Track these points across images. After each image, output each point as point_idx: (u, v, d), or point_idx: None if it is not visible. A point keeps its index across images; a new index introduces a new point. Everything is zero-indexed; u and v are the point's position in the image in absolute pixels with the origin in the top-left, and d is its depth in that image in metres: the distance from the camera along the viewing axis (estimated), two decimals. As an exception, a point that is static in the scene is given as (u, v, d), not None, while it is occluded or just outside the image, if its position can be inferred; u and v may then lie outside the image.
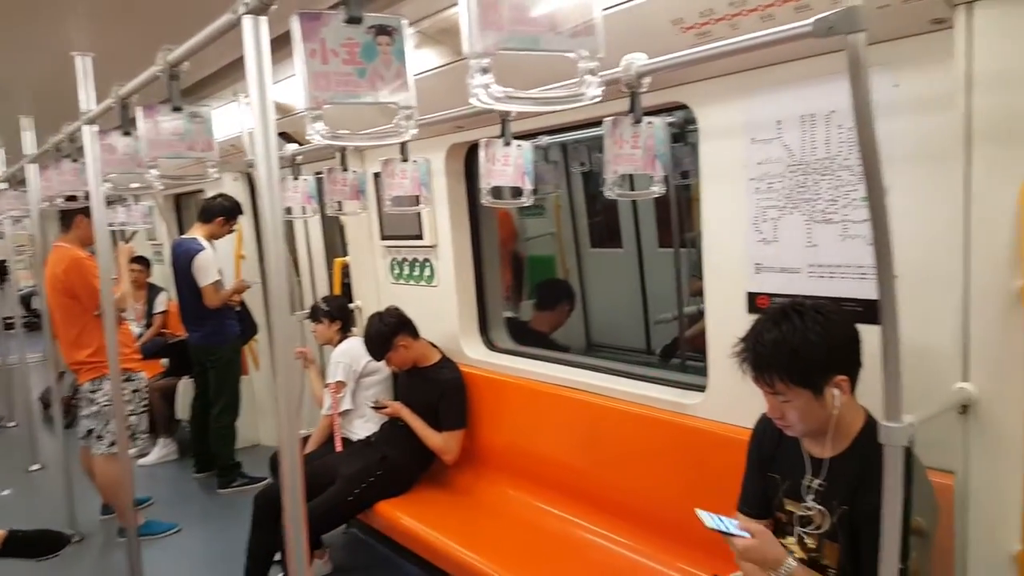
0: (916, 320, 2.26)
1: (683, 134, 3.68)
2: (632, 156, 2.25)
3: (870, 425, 2.00)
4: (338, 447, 4.08)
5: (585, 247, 6.66)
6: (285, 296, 1.62)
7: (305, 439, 4.36)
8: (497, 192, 2.98)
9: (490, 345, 4.35)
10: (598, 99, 1.26)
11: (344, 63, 1.26)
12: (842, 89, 1.54)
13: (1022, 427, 1.91)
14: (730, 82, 2.65)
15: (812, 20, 1.54)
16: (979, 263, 2.01)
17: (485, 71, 1.06)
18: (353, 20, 1.27)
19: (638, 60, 2.07)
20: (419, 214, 4.17)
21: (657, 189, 2.32)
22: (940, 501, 2.10)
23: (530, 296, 5.93)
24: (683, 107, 2.87)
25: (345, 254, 5.20)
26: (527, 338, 4.69)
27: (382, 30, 1.30)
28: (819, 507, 2.09)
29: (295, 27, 1.23)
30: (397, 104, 1.34)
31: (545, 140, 4.64)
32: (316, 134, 1.32)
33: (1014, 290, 1.91)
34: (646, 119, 2.24)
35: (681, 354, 4.57)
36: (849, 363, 2.03)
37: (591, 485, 3.48)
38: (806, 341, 1.97)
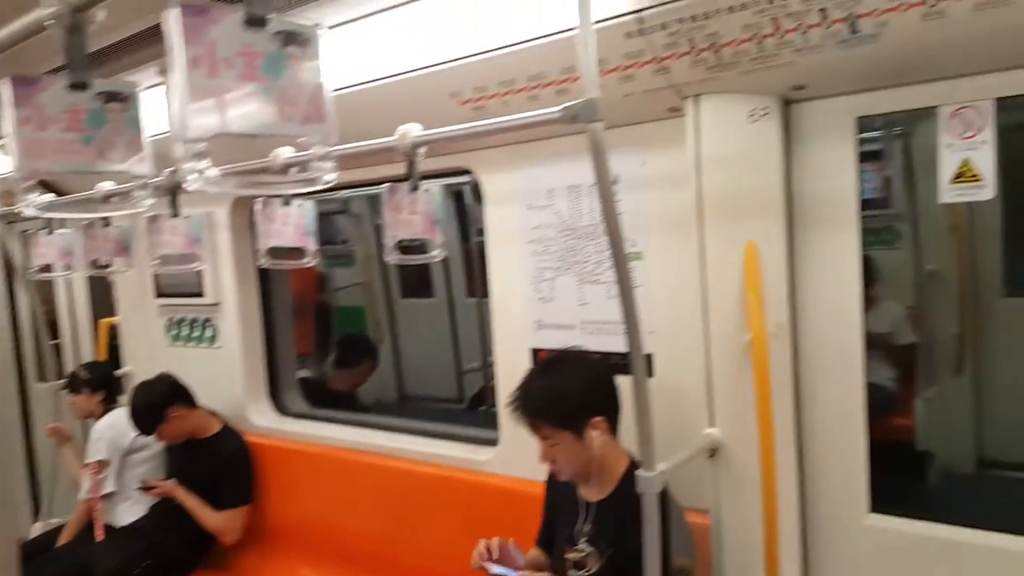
0: (671, 371, 2.51)
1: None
2: (410, 222, 2.30)
3: (632, 468, 2.17)
4: (99, 535, 3.59)
5: (396, 297, 6.62)
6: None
7: (59, 529, 3.81)
8: (280, 251, 2.88)
9: (281, 410, 4.12)
10: (333, 181, 1.28)
11: (65, 130, 1.15)
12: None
13: (758, 467, 2.17)
14: (508, 152, 2.82)
15: (560, 108, 1.69)
16: (715, 319, 2.29)
17: (201, 156, 1.02)
18: (78, 86, 1.17)
19: (413, 131, 2.13)
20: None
21: (437, 254, 2.38)
22: (698, 540, 2.32)
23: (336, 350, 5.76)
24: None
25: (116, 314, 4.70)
26: (326, 399, 4.51)
27: (112, 96, 1.21)
28: (590, 549, 2.21)
29: (6, 92, 1.11)
30: (130, 173, 1.26)
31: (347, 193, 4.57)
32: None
33: (743, 343, 2.19)
34: (424, 185, 2.30)
35: (489, 402, 4.65)
36: (605, 405, 2.23)
37: (391, 553, 3.38)
38: (565, 386, 2.16)
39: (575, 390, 2.11)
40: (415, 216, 2.30)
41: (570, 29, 2.02)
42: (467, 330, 6.03)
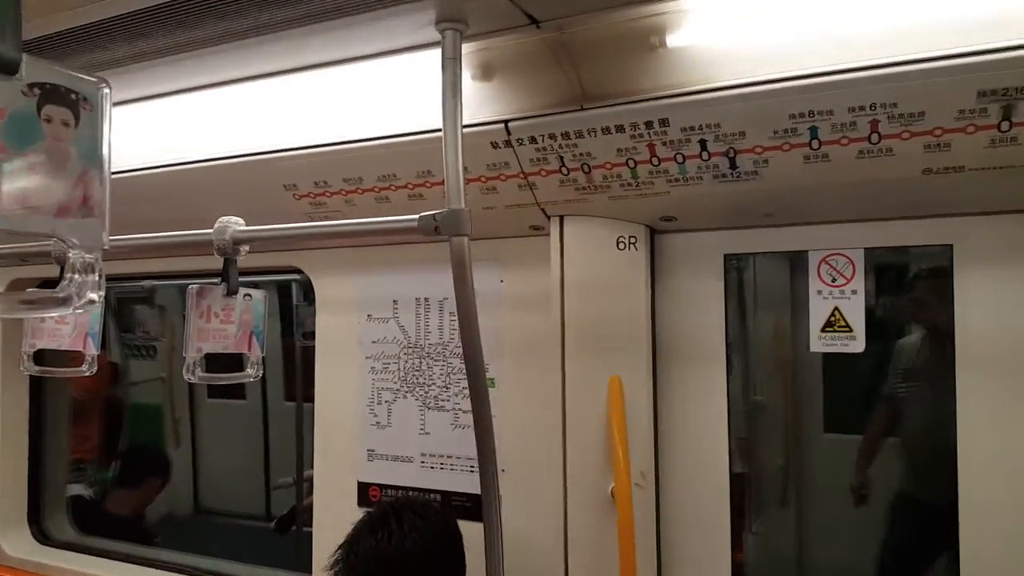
0: (522, 519, 2.20)
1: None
2: (223, 332, 1.86)
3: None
4: None
5: (201, 396, 5.84)
6: None
7: None
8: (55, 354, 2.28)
9: (42, 537, 3.31)
10: (97, 304, 0.89)
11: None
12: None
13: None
14: (347, 255, 2.49)
15: (418, 217, 1.42)
16: (575, 461, 2.04)
17: None
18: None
19: (234, 225, 1.75)
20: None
21: (253, 373, 1.95)
22: None
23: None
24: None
25: None
26: (103, 523, 3.71)
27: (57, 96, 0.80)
28: None
29: None
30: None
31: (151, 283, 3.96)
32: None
33: (606, 493, 1.95)
34: (244, 291, 1.89)
35: (298, 527, 4.05)
36: (449, 566, 1.87)
37: None
38: (403, 551, 1.79)
39: (414, 556, 1.74)
40: (229, 325, 1.87)
41: (432, 131, 1.81)
42: (282, 438, 5.39)
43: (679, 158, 1.75)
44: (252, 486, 5.71)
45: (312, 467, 4.08)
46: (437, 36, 1.47)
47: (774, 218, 1.94)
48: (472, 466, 2.27)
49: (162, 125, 2.14)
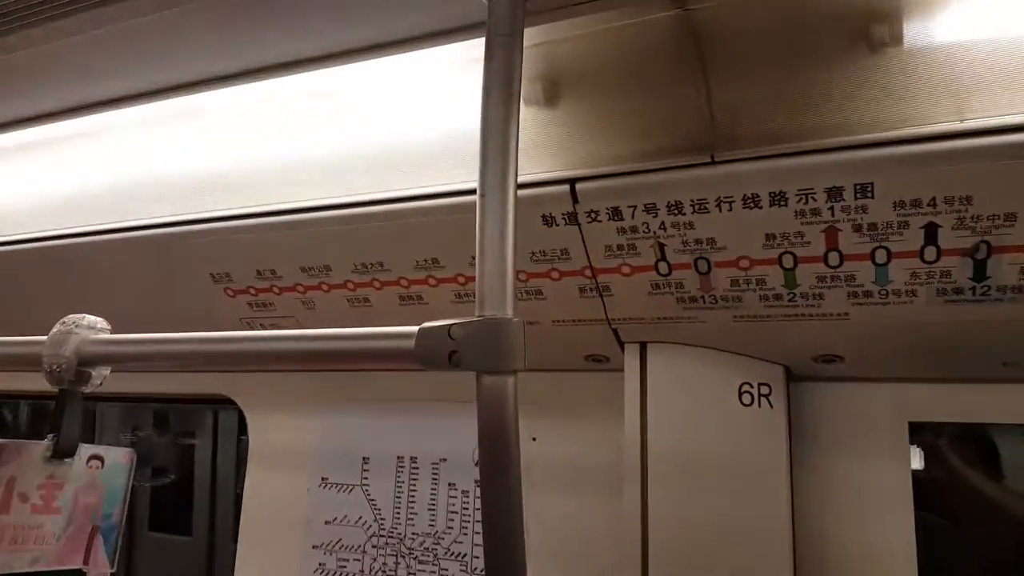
0: None
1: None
2: (34, 529, 1.03)
3: None
4: None
5: (142, 528, 4.82)
6: None
7: None
8: None
9: None
10: None
11: None
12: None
13: None
14: (299, 382, 1.68)
15: (417, 331, 0.66)
16: None
17: None
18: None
19: (86, 331, 0.97)
20: None
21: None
22: None
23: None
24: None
25: None
26: None
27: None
28: None
29: None
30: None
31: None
32: None
33: None
34: (89, 451, 1.07)
35: None
36: None
37: None
38: None
39: None
40: (48, 517, 1.03)
41: (451, 193, 1.09)
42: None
43: (879, 255, 0.99)
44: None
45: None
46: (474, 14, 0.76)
47: (1017, 370, 1.15)
48: None
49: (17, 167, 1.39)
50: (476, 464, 1.52)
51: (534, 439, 1.47)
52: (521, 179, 1.06)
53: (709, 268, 1.09)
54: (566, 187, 1.06)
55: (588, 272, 1.16)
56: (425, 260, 1.24)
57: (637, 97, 0.97)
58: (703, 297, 1.14)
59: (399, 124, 1.12)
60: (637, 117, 0.99)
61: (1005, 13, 0.81)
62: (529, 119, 1.01)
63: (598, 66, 0.94)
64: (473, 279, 1.16)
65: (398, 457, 1.59)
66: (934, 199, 0.91)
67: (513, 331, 0.68)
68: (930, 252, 0.97)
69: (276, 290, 1.42)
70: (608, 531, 1.36)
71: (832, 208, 0.96)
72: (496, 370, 0.68)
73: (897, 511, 1.23)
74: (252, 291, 1.45)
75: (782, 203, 0.98)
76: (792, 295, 1.08)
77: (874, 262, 1.00)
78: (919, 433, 1.25)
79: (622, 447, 1.27)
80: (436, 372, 0.70)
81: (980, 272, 0.97)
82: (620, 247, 1.11)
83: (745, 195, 0.99)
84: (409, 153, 1.13)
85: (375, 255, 1.26)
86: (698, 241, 1.07)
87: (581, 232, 1.11)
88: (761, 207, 0.99)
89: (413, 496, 1.55)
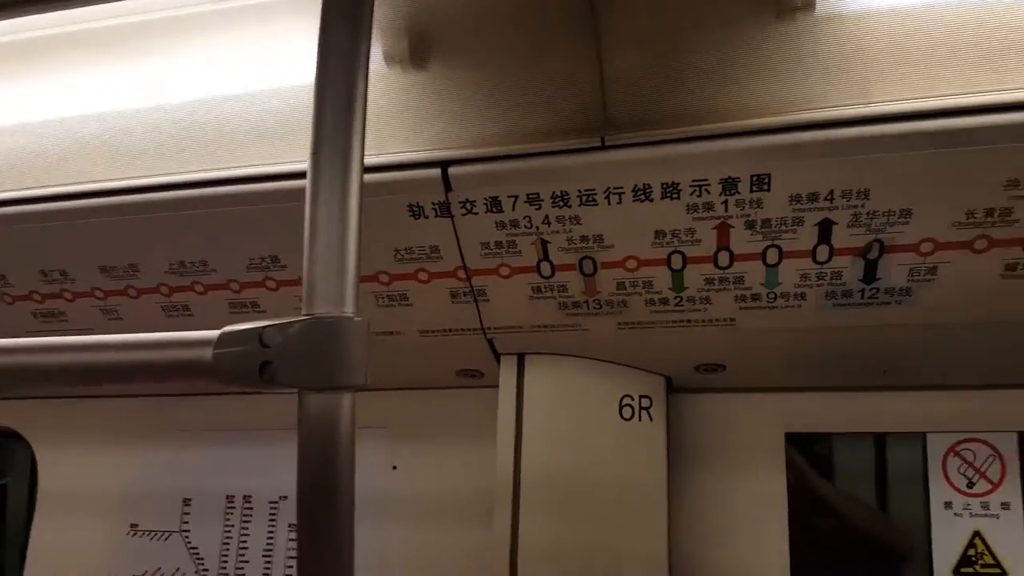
0: None
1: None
2: None
3: None
4: None
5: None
6: None
7: None
8: None
9: None
10: None
11: None
12: None
13: None
14: (100, 409, 1.39)
15: (217, 336, 0.46)
16: None
17: None
18: None
19: None
20: None
21: None
22: None
23: None
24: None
25: None
26: None
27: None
28: None
29: None
30: None
31: None
32: None
33: None
34: None
35: None
36: None
37: None
38: None
39: None
40: None
41: (284, 176, 0.90)
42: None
43: (771, 255, 0.93)
44: None
45: None
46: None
47: (893, 377, 1.14)
48: None
49: None
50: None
51: (395, 467, 1.29)
52: (382, 159, 0.90)
53: (595, 269, 0.98)
54: (437, 171, 0.90)
55: (462, 273, 1.02)
56: (261, 259, 1.03)
57: (522, 66, 0.84)
58: (587, 302, 1.03)
59: (226, 87, 0.92)
60: (521, 90, 0.86)
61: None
62: (392, 84, 0.85)
63: (477, 24, 0.80)
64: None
65: (227, 496, 1.35)
66: (832, 193, 0.86)
67: (352, 335, 0.52)
68: (822, 251, 0.91)
69: (68, 295, 1.14)
70: (479, 564, 1.20)
71: (726, 202, 0.88)
72: (326, 387, 0.51)
73: (773, 524, 1.18)
74: (36, 297, 1.16)
75: (674, 195, 0.89)
76: (679, 299, 0.99)
77: (765, 262, 0.94)
78: (796, 443, 1.22)
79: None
80: (255, 392, 0.53)
81: (870, 273, 0.93)
82: (499, 244, 0.98)
83: (636, 185, 0.89)
84: (239, 124, 0.93)
85: (196, 252, 1.04)
86: (584, 238, 0.95)
87: (454, 226, 0.96)
88: (652, 199, 0.89)
89: (245, 541, 1.31)
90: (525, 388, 1.14)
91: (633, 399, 1.13)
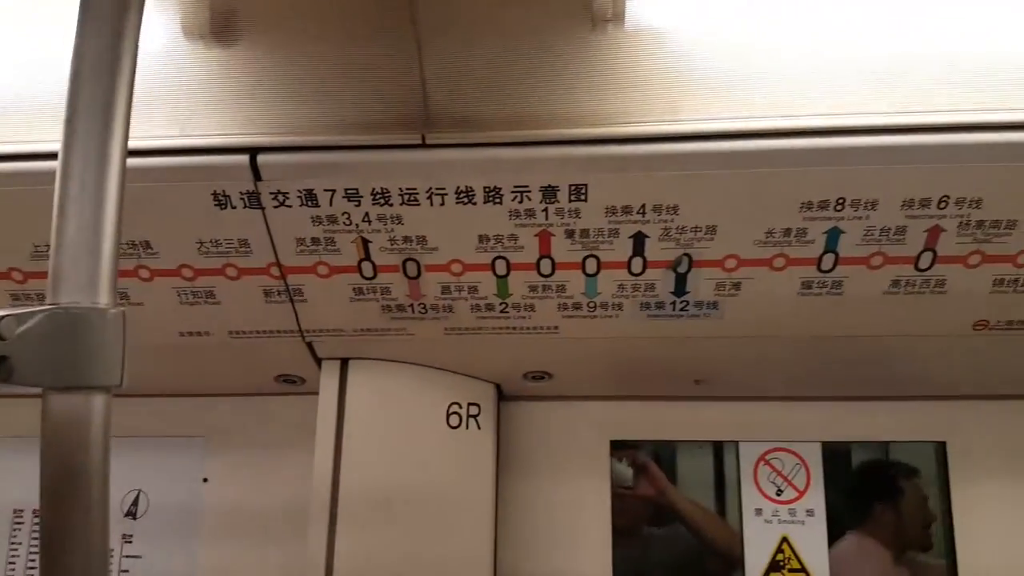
0: None
1: None
2: None
3: None
4: None
5: None
6: None
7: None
8: None
9: None
10: None
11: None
12: None
13: None
14: None
15: None
16: None
17: None
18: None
19: None
20: None
21: None
22: None
23: None
24: None
25: None
26: None
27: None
28: None
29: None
30: None
31: None
32: None
33: None
34: None
35: None
36: None
37: None
38: None
39: None
40: None
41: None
42: None
43: (590, 264, 0.94)
44: None
45: None
46: None
47: (707, 387, 1.19)
48: None
49: None
50: (126, 514, 1.20)
51: (205, 480, 1.20)
52: (183, 142, 0.83)
53: (419, 272, 0.96)
54: (244, 158, 0.84)
55: (275, 271, 0.96)
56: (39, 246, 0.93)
57: (339, 52, 0.80)
58: (412, 306, 1.00)
59: None
60: (339, 78, 0.82)
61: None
62: (193, 60, 0.79)
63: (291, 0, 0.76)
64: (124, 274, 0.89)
65: (15, 511, 1.20)
66: (644, 206, 0.88)
67: (104, 329, 0.46)
68: (637, 263, 0.94)
69: None
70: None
71: (547, 210, 0.89)
72: (73, 386, 0.45)
73: (597, 531, 1.19)
74: None
75: (497, 200, 0.88)
76: (504, 305, 0.99)
77: (584, 272, 0.95)
78: (621, 451, 1.24)
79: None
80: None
81: (681, 286, 0.96)
82: (316, 241, 0.93)
83: (459, 187, 0.87)
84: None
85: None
86: (407, 239, 0.92)
87: (265, 218, 0.90)
88: (475, 203, 0.88)
89: (34, 561, 1.17)
90: (348, 395, 1.09)
91: (461, 407, 1.11)
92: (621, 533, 1.21)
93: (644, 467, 1.25)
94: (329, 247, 0.94)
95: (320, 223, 0.91)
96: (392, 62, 0.80)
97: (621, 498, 1.23)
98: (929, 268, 0.92)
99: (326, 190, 0.88)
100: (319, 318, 1.02)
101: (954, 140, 0.81)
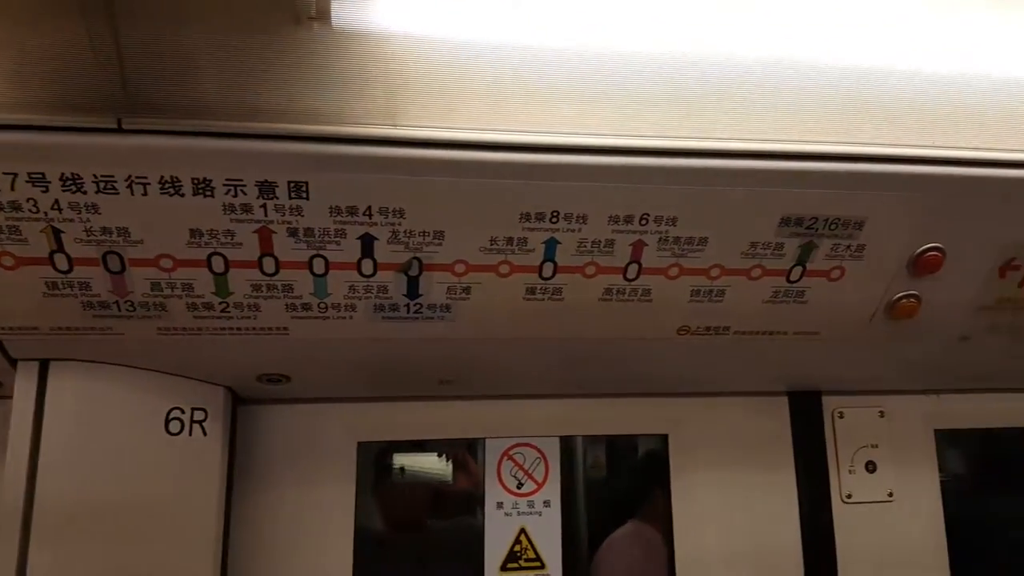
0: None
1: None
2: None
3: None
4: None
5: None
6: None
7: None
8: None
9: None
10: None
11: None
12: None
13: None
14: None
15: None
16: None
17: None
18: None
19: None
20: None
21: None
22: None
23: None
24: None
25: None
26: None
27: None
28: None
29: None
30: None
31: None
32: None
33: None
34: None
35: None
36: None
37: None
38: None
39: None
40: None
41: None
42: None
43: (317, 264, 0.92)
44: None
45: None
46: None
47: (452, 387, 1.21)
48: None
49: None
50: None
51: None
52: None
53: (123, 267, 0.88)
54: None
55: (-56, 260, 0.83)
56: None
57: (19, 16, 0.71)
58: (118, 303, 0.91)
59: None
60: (19, 47, 0.72)
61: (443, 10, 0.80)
62: None
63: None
64: None
65: None
66: (370, 208, 0.87)
67: None
68: (367, 265, 0.93)
69: None
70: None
71: (265, 206, 0.85)
72: None
73: (339, 534, 1.18)
74: None
75: (208, 193, 0.83)
76: (225, 305, 0.93)
77: (312, 272, 0.92)
78: (367, 453, 1.23)
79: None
80: None
81: (413, 289, 0.97)
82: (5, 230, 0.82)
83: (163, 177, 0.81)
84: None
85: None
86: (106, 230, 0.84)
87: (-75, 201, 0.78)
88: (183, 195, 0.82)
89: None
90: (47, 400, 0.97)
91: (184, 412, 1.04)
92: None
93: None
94: (14, 236, 0.83)
95: (2, 209, 0.81)
96: (83, 37, 0.72)
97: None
98: (636, 278, 1.00)
99: (7, 173, 0.78)
100: (7, 314, 0.90)
101: (650, 163, 0.89)
